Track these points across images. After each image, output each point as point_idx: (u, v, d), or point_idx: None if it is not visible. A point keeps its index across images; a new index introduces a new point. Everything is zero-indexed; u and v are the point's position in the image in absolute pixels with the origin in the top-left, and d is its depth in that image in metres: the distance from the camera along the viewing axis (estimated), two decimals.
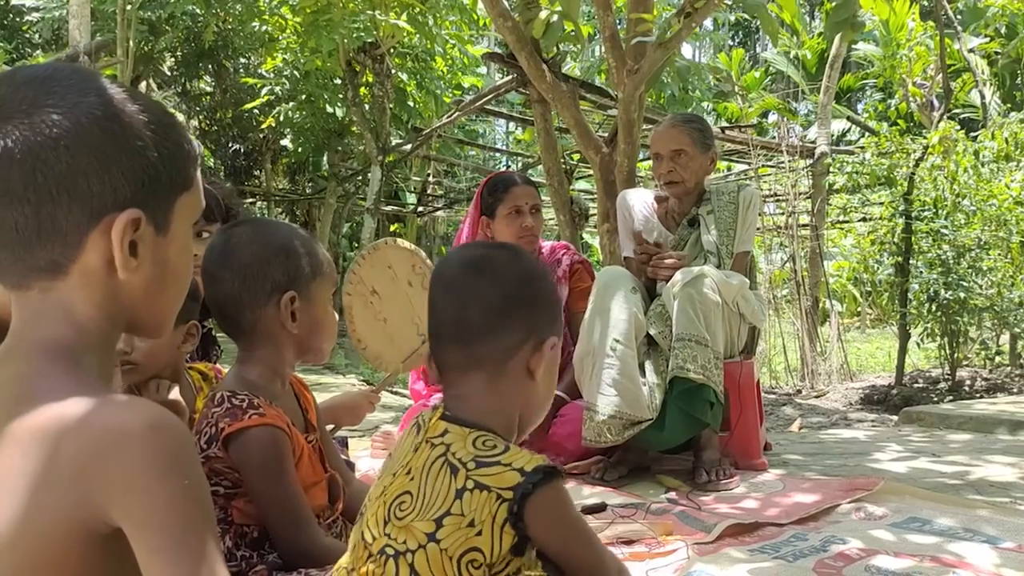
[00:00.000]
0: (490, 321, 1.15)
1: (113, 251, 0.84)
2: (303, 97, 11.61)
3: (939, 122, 6.78)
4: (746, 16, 24.06)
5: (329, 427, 2.02)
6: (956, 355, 6.14)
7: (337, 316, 1.64)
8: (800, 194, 8.51)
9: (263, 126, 12.65)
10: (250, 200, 15.46)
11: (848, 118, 16.60)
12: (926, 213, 5.99)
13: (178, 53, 12.69)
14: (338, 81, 10.87)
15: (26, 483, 0.76)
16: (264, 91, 11.72)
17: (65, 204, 0.82)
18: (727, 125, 11.08)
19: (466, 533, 1.04)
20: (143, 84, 12.46)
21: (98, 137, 0.82)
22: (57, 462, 0.76)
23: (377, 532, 1.10)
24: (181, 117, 13.79)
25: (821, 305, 8.35)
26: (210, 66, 13.10)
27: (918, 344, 6.55)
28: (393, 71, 10.39)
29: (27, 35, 12.61)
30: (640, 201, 3.20)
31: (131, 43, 9.09)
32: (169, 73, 13.50)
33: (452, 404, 1.17)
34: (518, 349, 1.14)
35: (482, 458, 1.08)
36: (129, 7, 8.88)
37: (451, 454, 1.09)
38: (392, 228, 17.03)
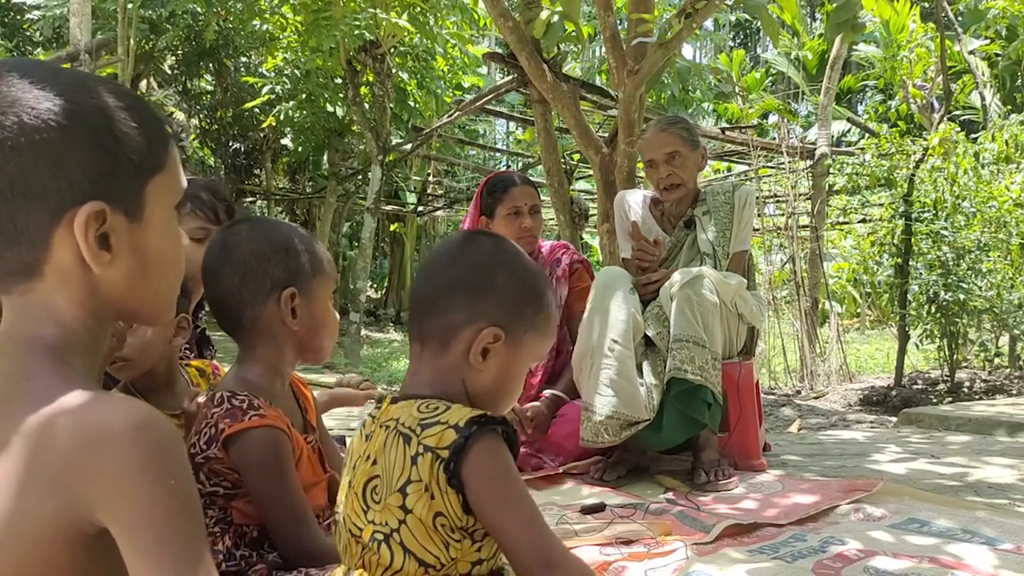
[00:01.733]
0: (435, 298, 1.18)
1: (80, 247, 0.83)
2: (303, 96, 11.60)
3: (939, 124, 6.78)
4: (747, 17, 24.08)
5: (332, 429, 2.04)
6: (955, 356, 6.14)
7: (338, 315, 1.64)
8: (800, 195, 8.52)
9: (263, 125, 12.64)
10: (250, 199, 15.47)
11: (848, 119, 16.60)
12: (926, 215, 5.99)
13: (179, 52, 12.68)
14: (339, 80, 10.87)
15: (12, 483, 0.76)
16: (265, 90, 11.71)
17: (23, 205, 0.80)
18: (727, 126, 11.08)
19: (426, 498, 1.05)
20: (144, 83, 12.47)
21: (46, 133, 0.80)
22: (43, 462, 0.75)
23: (361, 522, 1.11)
24: (181, 116, 13.80)
25: (820, 306, 8.35)
26: (211, 65, 13.08)
27: (917, 345, 6.55)
28: (394, 70, 10.38)
29: (28, 33, 12.59)
30: (637, 202, 3.20)
31: (132, 42, 9.09)
32: (170, 72, 13.49)
33: (407, 382, 1.20)
34: (459, 330, 1.15)
35: (426, 420, 1.09)
36: (130, 6, 8.88)
37: (401, 424, 1.11)
38: (392, 228, 17.04)
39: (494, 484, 1.06)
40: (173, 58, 13.04)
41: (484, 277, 1.18)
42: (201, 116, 14.20)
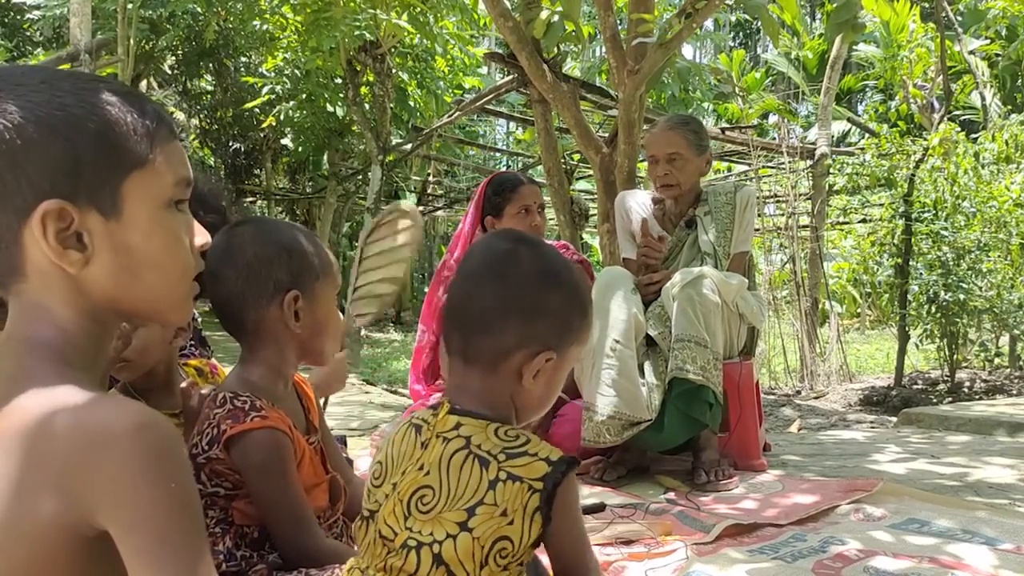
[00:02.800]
0: (487, 320, 1.16)
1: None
2: (304, 96, 11.60)
3: (939, 124, 6.78)
4: (747, 17, 24.09)
5: (334, 429, 2.04)
6: (955, 357, 6.14)
7: (341, 316, 1.64)
8: (800, 195, 8.52)
9: (263, 125, 12.64)
10: (250, 199, 15.47)
11: (848, 119, 16.61)
12: (926, 215, 5.99)
13: (179, 52, 12.69)
14: (339, 80, 10.87)
15: (11, 484, 0.76)
16: (265, 90, 11.71)
17: None
18: (727, 126, 11.08)
19: (499, 522, 1.07)
20: (144, 83, 12.46)
21: (5, 134, 0.80)
22: (43, 463, 0.75)
23: (398, 527, 1.11)
24: (181, 116, 13.80)
25: (821, 306, 8.35)
26: (211, 65, 13.09)
27: (917, 345, 6.55)
28: (394, 70, 10.38)
29: (28, 33, 12.60)
30: (638, 203, 3.21)
31: (132, 42, 9.09)
32: (170, 72, 13.50)
33: (455, 395, 1.18)
34: (510, 354, 1.14)
35: (510, 449, 1.10)
36: (130, 6, 8.88)
37: (475, 446, 1.11)
38: None
39: (573, 514, 1.12)
40: (173, 58, 13.05)
41: (537, 298, 1.16)
42: (201, 116, 14.21)
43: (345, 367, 2.19)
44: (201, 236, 1.81)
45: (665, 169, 3.00)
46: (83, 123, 0.83)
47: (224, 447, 1.40)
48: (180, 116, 13.84)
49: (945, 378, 6.18)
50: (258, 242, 1.49)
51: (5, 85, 0.82)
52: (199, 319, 2.28)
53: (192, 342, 2.11)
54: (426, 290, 3.73)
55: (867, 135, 12.03)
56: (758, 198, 5.86)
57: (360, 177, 13.27)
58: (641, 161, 4.16)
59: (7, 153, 0.80)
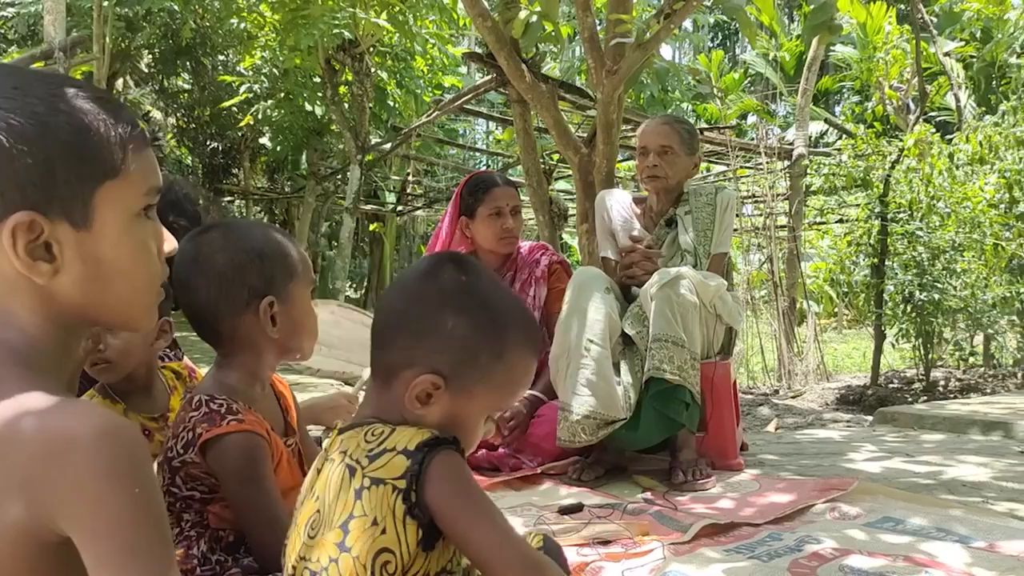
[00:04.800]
0: (383, 333, 1.13)
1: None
2: (282, 95, 11.54)
3: (915, 125, 6.85)
4: (725, 18, 24.20)
5: (312, 428, 2.02)
6: (930, 356, 6.20)
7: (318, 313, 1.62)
8: (778, 195, 8.58)
9: (241, 124, 12.56)
10: (228, 199, 15.37)
11: (826, 120, 16.73)
12: (901, 215, 6.05)
13: (155, 50, 12.58)
14: (317, 79, 10.82)
15: None
16: (243, 89, 11.64)
17: None
18: (706, 126, 11.14)
19: (371, 533, 0.99)
20: (120, 81, 12.36)
21: None
22: (5, 468, 0.74)
23: (296, 561, 1.07)
24: (158, 115, 13.69)
25: (798, 306, 8.41)
26: (188, 63, 12.99)
27: (893, 345, 6.61)
28: (373, 70, 10.35)
29: (1, 31, 12.45)
30: (619, 201, 3.21)
31: (107, 39, 9.01)
32: (146, 70, 13.39)
33: (358, 413, 1.16)
34: (398, 371, 1.09)
35: (372, 451, 1.04)
36: (106, 3, 8.80)
37: (349, 457, 1.06)
38: (372, 227, 16.99)
39: (462, 503, 1.02)
40: (150, 56, 12.95)
41: (431, 317, 1.09)
42: (178, 115, 14.11)
43: (354, 407, 2.16)
44: (169, 243, 1.79)
45: (655, 161, 3.02)
46: (56, 133, 0.82)
47: (200, 451, 1.39)
48: (157, 115, 13.73)
49: (920, 377, 6.24)
50: (228, 249, 1.47)
51: None
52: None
53: (167, 348, 2.10)
54: None
55: (844, 136, 12.13)
56: (737, 199, 5.89)
57: (339, 177, 13.23)
58: (620, 161, 4.17)
59: None
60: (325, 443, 1.15)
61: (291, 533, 1.11)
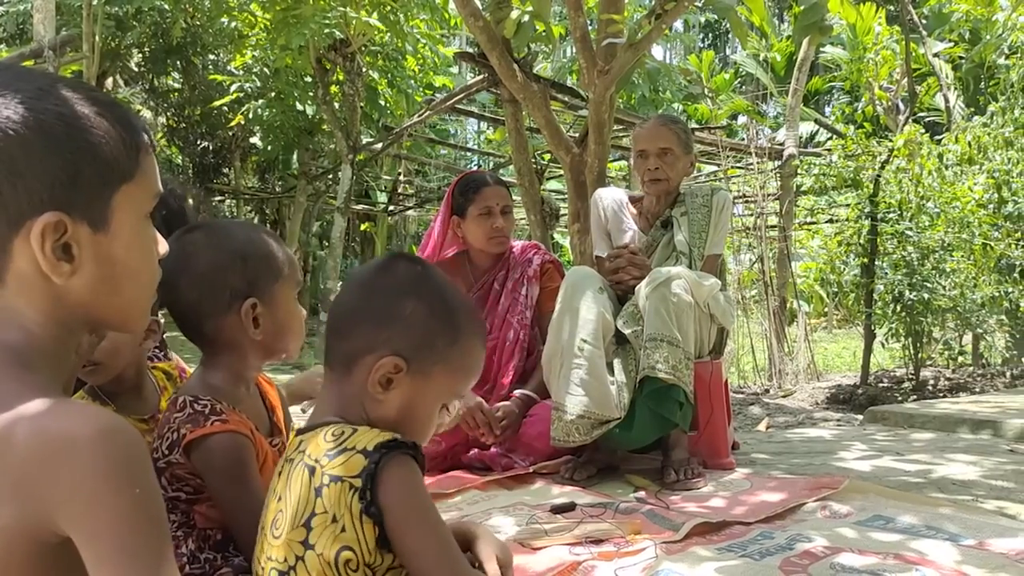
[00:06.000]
0: (341, 321, 1.16)
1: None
2: (273, 94, 11.51)
3: (904, 125, 6.87)
4: (716, 18, 24.26)
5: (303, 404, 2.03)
6: (920, 355, 6.22)
7: (304, 313, 1.62)
8: (768, 195, 8.60)
9: (232, 123, 12.52)
10: (219, 198, 15.32)
11: (816, 120, 16.80)
12: (891, 215, 6.06)
13: (146, 49, 12.53)
14: (308, 79, 10.80)
15: None
16: (233, 88, 11.61)
17: None
18: (697, 126, 11.16)
19: (332, 531, 1.01)
20: (110, 80, 12.30)
21: (3, 143, 0.79)
22: (2, 469, 0.74)
23: (263, 560, 1.08)
24: (148, 114, 13.63)
25: (789, 305, 8.43)
26: (178, 62, 12.95)
27: (883, 344, 6.63)
28: (364, 69, 10.33)
29: None
30: (614, 200, 3.22)
31: (97, 38, 8.96)
32: (136, 69, 13.34)
33: (314, 413, 1.18)
34: (360, 357, 1.12)
35: (332, 449, 1.05)
36: (95, 2, 8.76)
37: (307, 457, 1.07)
38: (363, 227, 16.97)
39: (410, 510, 1.03)
40: (140, 55, 12.90)
41: (391, 304, 1.14)
42: (168, 114, 14.05)
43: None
44: (162, 245, 1.79)
45: (656, 163, 3.03)
46: (81, 134, 0.83)
47: (184, 452, 1.39)
48: (147, 114, 13.67)
49: (910, 376, 6.26)
50: (211, 250, 1.47)
51: (4, 89, 0.81)
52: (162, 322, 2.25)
53: (156, 347, 2.08)
54: None
55: (834, 136, 12.18)
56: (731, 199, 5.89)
57: (330, 176, 13.20)
58: (612, 161, 4.18)
59: (7, 162, 0.80)
60: (286, 445, 1.16)
61: (259, 536, 1.13)
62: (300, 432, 1.13)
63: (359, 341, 1.13)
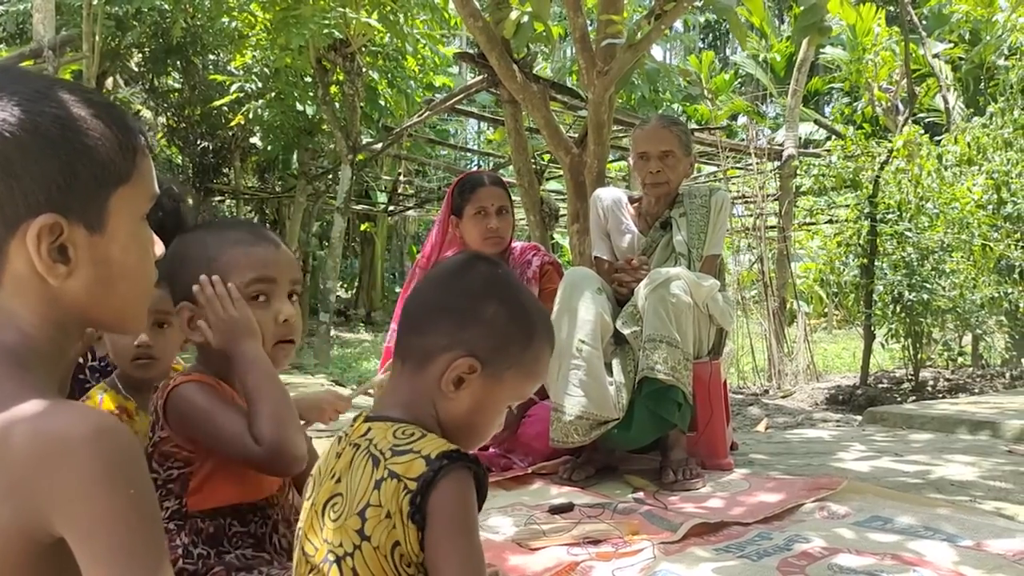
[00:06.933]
0: (420, 317, 1.17)
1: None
2: (273, 95, 11.50)
3: (903, 126, 6.87)
4: (716, 19, 24.27)
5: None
6: (919, 356, 6.22)
7: (299, 313, 1.60)
8: (768, 196, 8.59)
9: (232, 123, 12.51)
10: (219, 198, 15.31)
11: (815, 121, 16.78)
12: (890, 216, 6.06)
13: (145, 49, 12.50)
14: (308, 79, 10.79)
15: None
16: (233, 88, 11.59)
17: None
18: (697, 127, 11.16)
19: (386, 526, 1.02)
20: (110, 80, 12.29)
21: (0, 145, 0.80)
22: None
23: (317, 542, 1.08)
24: (148, 114, 13.62)
25: (788, 306, 8.43)
26: (178, 62, 12.92)
27: (882, 345, 6.63)
28: (364, 69, 10.32)
29: None
30: (613, 201, 3.22)
31: (97, 38, 8.95)
32: (136, 69, 13.31)
33: (382, 400, 1.20)
34: (436, 354, 1.12)
35: (398, 446, 1.06)
36: (95, 2, 8.75)
37: (373, 446, 1.08)
38: (363, 227, 16.96)
39: (450, 523, 1.03)
40: (140, 55, 12.87)
41: (472, 305, 1.15)
42: (168, 114, 14.03)
43: (342, 408, 2.12)
44: (158, 246, 1.79)
45: (657, 166, 3.03)
46: (78, 136, 0.84)
47: (164, 419, 1.42)
48: (147, 114, 13.65)
49: (909, 377, 6.26)
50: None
51: (1, 92, 0.82)
52: None
53: None
54: (397, 290, 3.72)
55: (833, 137, 12.17)
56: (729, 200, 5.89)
57: (330, 176, 13.18)
58: (611, 162, 4.18)
59: (4, 163, 0.80)
60: (347, 429, 1.17)
61: (305, 512, 1.13)
62: (369, 419, 1.14)
63: (437, 338, 1.13)
